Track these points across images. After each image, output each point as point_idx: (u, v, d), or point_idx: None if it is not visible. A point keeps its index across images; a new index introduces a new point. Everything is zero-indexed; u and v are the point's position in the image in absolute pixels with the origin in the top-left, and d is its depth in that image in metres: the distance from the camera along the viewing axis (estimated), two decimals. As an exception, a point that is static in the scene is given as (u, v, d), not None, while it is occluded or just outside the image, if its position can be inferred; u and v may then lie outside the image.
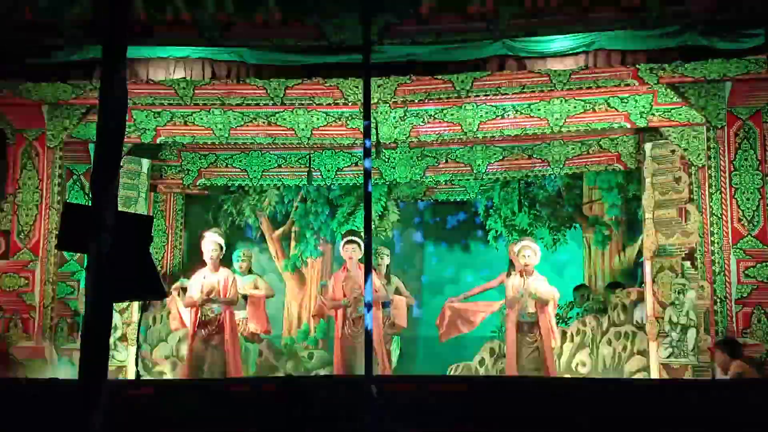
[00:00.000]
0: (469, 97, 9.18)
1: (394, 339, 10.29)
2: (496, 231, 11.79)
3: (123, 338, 9.85)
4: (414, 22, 8.05)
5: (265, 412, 5.67)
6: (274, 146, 10.45)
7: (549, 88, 9.03)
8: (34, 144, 9.35)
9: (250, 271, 10.35)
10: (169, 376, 10.03)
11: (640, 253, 10.47)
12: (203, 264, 9.77)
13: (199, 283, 9.59)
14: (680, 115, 9.08)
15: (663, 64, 8.25)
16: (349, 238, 9.82)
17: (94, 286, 3.73)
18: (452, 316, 9.73)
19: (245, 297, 10.11)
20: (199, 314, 9.52)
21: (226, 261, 10.08)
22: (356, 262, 9.66)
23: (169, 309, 10.13)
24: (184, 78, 8.33)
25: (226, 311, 9.56)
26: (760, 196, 8.61)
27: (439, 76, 8.74)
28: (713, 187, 8.73)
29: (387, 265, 10.06)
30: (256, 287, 10.17)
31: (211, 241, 9.75)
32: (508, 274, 9.70)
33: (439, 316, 9.86)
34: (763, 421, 5.35)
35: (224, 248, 9.86)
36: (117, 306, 9.30)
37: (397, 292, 10.01)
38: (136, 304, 9.70)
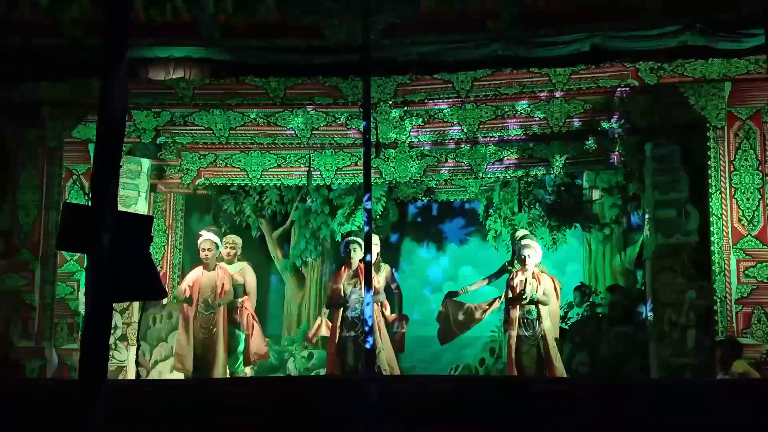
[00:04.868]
0: (469, 97, 9.17)
1: None
2: (496, 231, 11.77)
3: (123, 338, 9.86)
4: (414, 22, 8.04)
5: (265, 412, 5.67)
6: (274, 146, 10.45)
7: (549, 88, 9.03)
8: (34, 144, 9.33)
9: (236, 259, 10.03)
10: (168, 376, 10.04)
11: (640, 252, 10.46)
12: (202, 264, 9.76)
13: (193, 279, 9.59)
14: (680, 114, 9.08)
15: (663, 64, 8.24)
16: (350, 238, 9.80)
17: (94, 286, 3.73)
18: (453, 313, 9.67)
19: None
20: (194, 312, 9.52)
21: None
22: (357, 262, 9.64)
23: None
24: (184, 78, 8.32)
25: (219, 309, 9.56)
26: (760, 196, 8.61)
27: (439, 76, 8.73)
28: (713, 187, 8.72)
29: (377, 254, 9.85)
30: (243, 276, 9.91)
31: (207, 240, 9.73)
32: (509, 271, 9.68)
33: (440, 313, 9.81)
34: (763, 421, 5.34)
35: (219, 246, 9.81)
36: (117, 306, 9.30)
37: (387, 279, 9.77)
38: (136, 304, 9.70)
